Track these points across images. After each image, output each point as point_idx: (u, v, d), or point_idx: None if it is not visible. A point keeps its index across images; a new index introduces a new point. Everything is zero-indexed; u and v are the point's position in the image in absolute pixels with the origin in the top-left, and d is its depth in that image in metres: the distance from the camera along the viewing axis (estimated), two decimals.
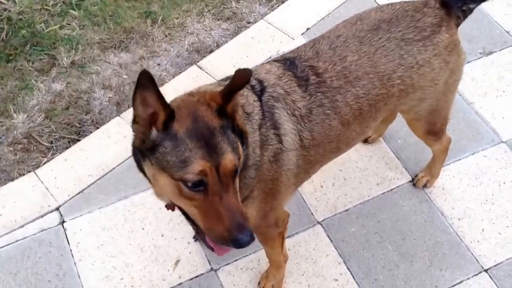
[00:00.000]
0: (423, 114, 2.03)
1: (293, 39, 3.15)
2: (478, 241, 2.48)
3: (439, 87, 1.92)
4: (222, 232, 1.42)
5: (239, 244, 1.41)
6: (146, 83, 1.36)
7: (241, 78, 1.42)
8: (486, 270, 2.40)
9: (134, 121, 1.49)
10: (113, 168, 2.68)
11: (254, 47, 3.13)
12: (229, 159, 1.42)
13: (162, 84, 3.00)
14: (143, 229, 2.50)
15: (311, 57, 1.80)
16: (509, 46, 3.12)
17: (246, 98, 1.66)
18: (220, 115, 1.47)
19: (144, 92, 1.38)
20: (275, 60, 1.85)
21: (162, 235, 2.48)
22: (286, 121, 1.70)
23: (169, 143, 1.43)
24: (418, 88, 1.88)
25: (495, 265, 2.41)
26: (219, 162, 1.41)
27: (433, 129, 2.15)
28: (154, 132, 1.46)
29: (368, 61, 1.78)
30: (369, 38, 1.80)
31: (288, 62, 1.79)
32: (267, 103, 1.68)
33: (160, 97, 1.40)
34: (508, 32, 3.19)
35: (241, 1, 3.37)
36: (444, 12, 1.85)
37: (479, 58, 3.07)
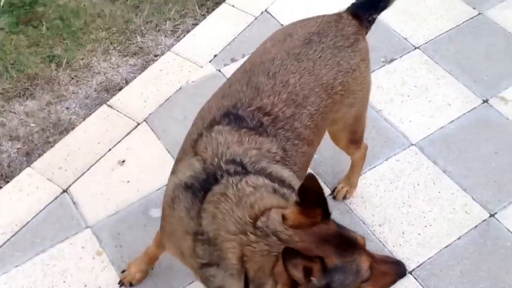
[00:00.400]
0: (349, 123, 2.09)
1: (202, 67, 3.16)
2: (400, 245, 2.55)
3: (364, 91, 2.01)
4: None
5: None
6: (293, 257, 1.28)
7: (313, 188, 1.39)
8: (410, 272, 2.46)
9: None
10: (28, 222, 2.57)
11: (163, 80, 3.11)
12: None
13: (72, 128, 2.93)
14: (64, 282, 2.40)
15: (252, 97, 1.70)
16: (408, 52, 3.26)
17: (226, 188, 1.52)
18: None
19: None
20: (219, 124, 1.67)
21: (86, 286, 2.40)
22: (282, 169, 1.66)
23: (337, 276, 1.37)
24: (351, 93, 1.92)
25: (418, 266, 2.48)
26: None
27: (354, 137, 2.21)
28: (315, 280, 1.35)
29: (310, 77, 1.78)
30: (305, 52, 1.80)
31: (232, 117, 1.66)
32: (256, 170, 1.59)
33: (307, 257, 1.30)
34: (406, 39, 3.33)
35: (146, 35, 3.35)
36: (357, 22, 1.95)
37: (382, 66, 3.19)
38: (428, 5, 3.51)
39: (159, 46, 3.30)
